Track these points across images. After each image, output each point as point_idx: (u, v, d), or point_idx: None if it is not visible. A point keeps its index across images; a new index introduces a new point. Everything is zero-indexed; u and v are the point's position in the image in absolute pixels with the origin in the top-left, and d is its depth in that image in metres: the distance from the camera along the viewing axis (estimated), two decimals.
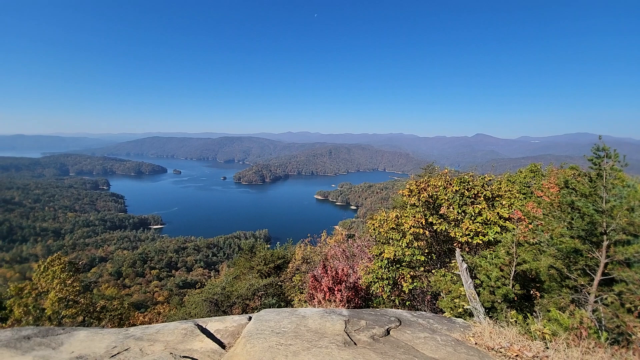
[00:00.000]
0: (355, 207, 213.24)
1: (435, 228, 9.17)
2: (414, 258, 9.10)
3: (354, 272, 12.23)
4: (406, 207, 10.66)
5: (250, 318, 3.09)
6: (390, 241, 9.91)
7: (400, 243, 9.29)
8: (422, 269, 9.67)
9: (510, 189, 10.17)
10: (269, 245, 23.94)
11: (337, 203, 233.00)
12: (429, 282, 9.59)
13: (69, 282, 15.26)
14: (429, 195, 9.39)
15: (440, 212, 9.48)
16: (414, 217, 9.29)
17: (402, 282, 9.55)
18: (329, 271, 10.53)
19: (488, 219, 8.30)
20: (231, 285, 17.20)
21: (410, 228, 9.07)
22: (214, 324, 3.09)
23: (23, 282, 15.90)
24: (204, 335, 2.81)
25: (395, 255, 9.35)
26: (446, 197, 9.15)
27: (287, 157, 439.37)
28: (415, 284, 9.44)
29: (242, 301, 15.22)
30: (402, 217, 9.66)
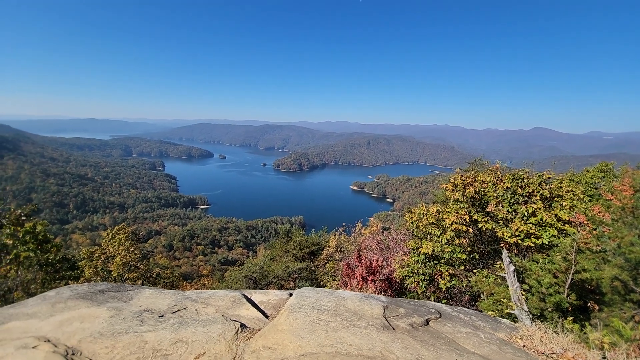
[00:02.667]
0: (391, 200, 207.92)
1: (480, 226, 8.63)
2: (454, 256, 8.71)
3: (387, 264, 12.12)
4: (448, 203, 10.17)
5: (291, 294, 3.29)
6: (429, 236, 9.58)
7: (440, 239, 8.93)
8: (462, 267, 9.24)
9: (573, 190, 9.11)
10: (303, 232, 24.61)
11: (372, 195, 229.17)
12: (469, 282, 9.14)
13: (132, 249, 17.46)
14: (475, 191, 8.81)
15: (487, 210, 8.87)
16: (457, 213, 8.82)
17: (439, 279, 9.24)
18: (363, 261, 10.57)
19: (543, 220, 7.57)
20: (268, 266, 18.15)
21: (452, 224, 8.66)
22: (257, 296, 3.34)
23: (93, 247, 18.54)
24: (250, 305, 3.06)
25: (433, 251, 9.04)
26: (495, 194, 8.52)
27: (325, 147, 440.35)
28: (453, 282, 9.07)
29: (278, 281, 16.02)
30: (444, 213, 9.24)
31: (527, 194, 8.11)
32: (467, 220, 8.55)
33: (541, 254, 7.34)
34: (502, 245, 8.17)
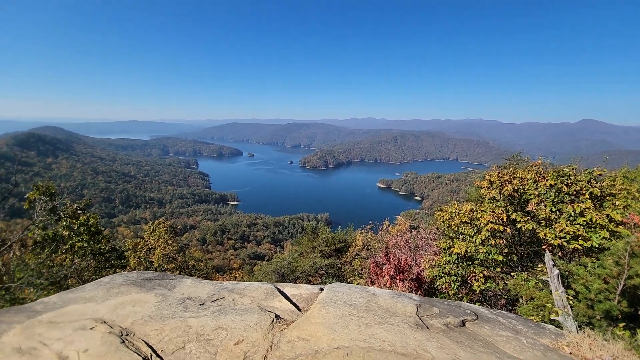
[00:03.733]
0: (420, 198, 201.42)
1: (519, 227, 8.11)
2: (490, 257, 8.29)
3: (416, 264, 11.82)
4: (483, 201, 9.67)
5: (322, 289, 3.35)
6: (461, 236, 9.21)
7: (474, 239, 8.54)
8: (498, 269, 8.77)
9: (628, 188, 8.23)
10: (329, 229, 24.72)
11: (400, 192, 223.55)
12: (506, 284, 8.65)
13: (170, 242, 18.73)
14: (513, 188, 8.29)
15: (527, 209, 8.32)
16: (493, 212, 8.37)
17: (473, 281, 8.85)
18: (391, 259, 10.41)
19: (593, 221, 6.93)
20: (296, 261, 18.50)
21: (488, 224, 8.23)
22: (289, 289, 3.44)
23: (137, 240, 20.16)
24: (282, 297, 3.17)
25: (466, 251, 8.67)
26: (537, 192, 7.94)
27: (351, 144, 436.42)
28: (488, 284, 8.64)
29: (305, 276, 16.28)
30: (478, 212, 8.81)
31: (574, 193, 7.46)
32: (505, 220, 8.08)
33: (590, 257, 6.75)
34: (544, 247, 7.61)
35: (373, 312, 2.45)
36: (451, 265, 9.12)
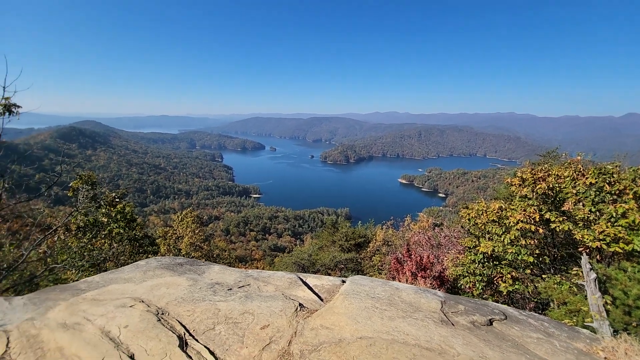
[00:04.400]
0: (443, 195, 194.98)
1: (552, 227, 7.65)
2: (519, 257, 7.91)
3: (439, 262, 11.56)
4: (513, 199, 9.21)
5: (343, 281, 3.39)
6: (488, 235, 8.86)
7: (502, 238, 8.18)
8: (528, 271, 8.36)
9: None
10: (349, 224, 24.68)
11: (423, 189, 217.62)
12: (536, 287, 8.24)
13: (197, 231, 19.65)
14: (548, 187, 7.82)
15: (562, 209, 7.83)
16: (525, 211, 7.95)
17: (500, 282, 8.51)
18: (413, 256, 10.25)
19: (636, 222, 6.40)
20: (316, 254, 18.72)
21: (518, 223, 7.84)
22: (312, 280, 3.52)
23: (166, 228, 21.33)
24: (305, 287, 3.25)
25: (493, 250, 8.34)
26: (574, 191, 7.44)
27: (373, 138, 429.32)
28: (516, 286, 8.27)
29: (325, 270, 16.46)
30: (508, 210, 8.40)
31: (617, 192, 6.91)
32: (537, 220, 7.65)
33: (630, 261, 6.27)
34: (580, 249, 7.15)
35: (396, 306, 2.45)
36: (476, 265, 8.82)
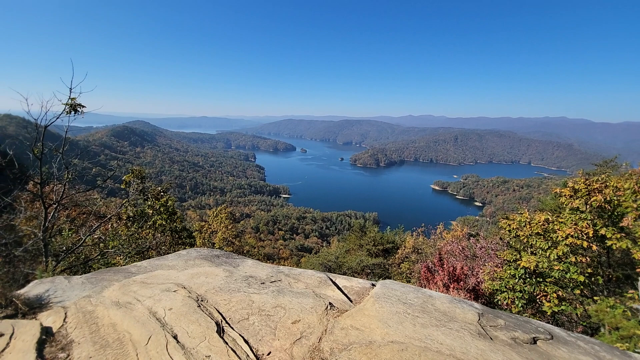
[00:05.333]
0: (480, 204, 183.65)
1: (608, 244, 6.91)
2: (567, 276, 7.23)
3: (473, 274, 10.93)
4: (562, 211, 8.46)
5: (373, 284, 3.37)
6: (531, 249, 8.21)
7: (548, 254, 7.54)
8: (577, 291, 7.60)
9: None
10: (377, 228, 24.24)
11: (457, 196, 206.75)
12: (585, 310, 7.47)
13: (230, 227, 20.58)
14: (605, 199, 7.07)
15: (620, 225, 7.04)
16: (576, 225, 7.26)
17: (543, 301, 7.83)
18: (445, 266, 9.82)
19: None
20: (343, 257, 18.65)
21: (567, 238, 7.18)
22: (341, 281, 3.54)
23: (202, 223, 22.60)
24: (334, 287, 3.28)
25: (537, 266, 7.71)
26: (635, 205, 6.66)
27: (405, 142, 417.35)
28: (562, 307, 7.56)
29: (352, 273, 16.31)
30: (556, 223, 7.73)
31: None
32: (590, 235, 6.96)
33: None
34: (638, 270, 6.38)
35: (429, 314, 2.38)
36: (516, 280, 8.21)
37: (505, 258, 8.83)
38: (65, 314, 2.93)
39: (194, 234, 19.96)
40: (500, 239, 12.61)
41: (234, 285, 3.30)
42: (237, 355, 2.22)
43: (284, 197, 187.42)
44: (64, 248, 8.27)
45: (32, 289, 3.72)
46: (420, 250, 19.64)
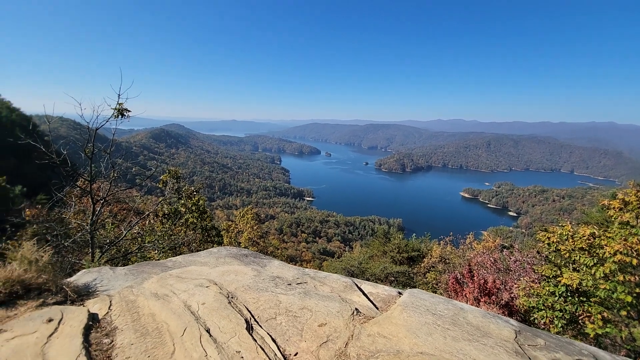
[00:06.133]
0: (515, 214, 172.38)
1: None
2: (614, 296, 6.59)
3: (506, 289, 10.29)
4: (611, 225, 7.73)
5: (400, 293, 3.31)
6: (574, 265, 7.59)
7: (593, 271, 6.92)
8: (624, 313, 6.89)
9: None
10: (402, 235, 23.63)
11: (489, 205, 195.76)
12: (631, 333, 6.75)
13: (255, 228, 21.16)
14: None
15: None
16: (625, 240, 6.62)
17: (586, 322, 7.18)
18: (475, 278, 9.36)
19: None
20: (366, 263, 18.39)
21: (616, 254, 6.56)
22: (367, 287, 3.51)
23: (229, 222, 23.43)
24: (360, 292, 3.27)
25: (580, 284, 7.10)
26: None
27: (433, 147, 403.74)
28: (607, 329, 6.89)
29: (375, 280, 16.02)
30: (603, 238, 7.09)
31: None
32: None
33: None
34: None
35: (461, 327, 2.29)
36: (556, 298, 7.61)
37: (543, 273, 8.23)
38: (110, 302, 3.19)
39: (221, 232, 20.70)
40: (538, 252, 11.80)
41: (261, 285, 3.41)
42: (266, 354, 2.29)
43: (308, 200, 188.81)
44: (107, 241, 8.98)
45: (80, 278, 4.08)
46: (447, 260, 18.90)
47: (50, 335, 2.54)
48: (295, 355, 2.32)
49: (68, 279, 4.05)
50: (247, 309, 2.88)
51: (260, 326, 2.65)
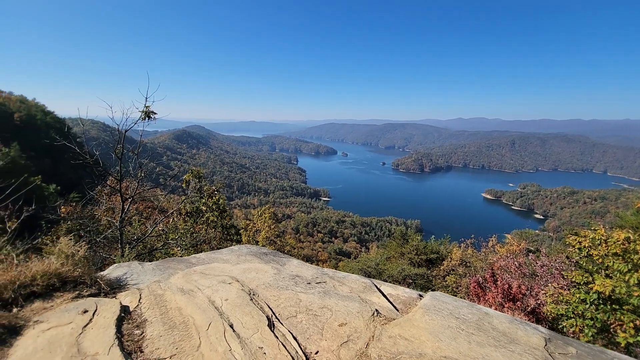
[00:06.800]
0: (542, 217, 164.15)
1: None
2: None
3: (532, 295, 9.84)
4: None
5: (421, 295, 3.26)
6: (606, 271, 7.14)
7: (627, 278, 6.50)
8: None
9: None
10: (420, 237, 23.15)
11: (513, 207, 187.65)
12: None
13: (272, 227, 21.46)
14: None
15: None
16: None
17: (618, 331, 6.75)
18: (499, 283, 9.01)
19: None
20: (384, 264, 18.18)
21: None
22: (386, 288, 3.49)
23: (247, 221, 23.88)
24: (380, 294, 3.25)
25: (613, 291, 6.67)
26: None
27: (453, 147, 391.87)
28: (639, 338, 6.44)
29: (392, 282, 15.81)
30: (638, 242, 6.64)
31: None
32: None
33: None
34: None
35: (486, 332, 2.22)
36: (587, 306, 7.20)
37: (573, 280, 7.81)
38: (140, 295, 3.36)
39: (240, 231, 21.14)
40: (567, 257, 11.22)
41: (282, 283, 3.47)
42: (287, 351, 2.33)
43: (324, 200, 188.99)
44: (135, 237, 9.43)
45: (112, 272, 4.32)
46: (468, 264, 18.33)
47: (85, 326, 2.68)
48: (316, 353, 2.35)
49: (101, 273, 4.28)
50: (268, 306, 2.94)
51: (282, 323, 2.70)
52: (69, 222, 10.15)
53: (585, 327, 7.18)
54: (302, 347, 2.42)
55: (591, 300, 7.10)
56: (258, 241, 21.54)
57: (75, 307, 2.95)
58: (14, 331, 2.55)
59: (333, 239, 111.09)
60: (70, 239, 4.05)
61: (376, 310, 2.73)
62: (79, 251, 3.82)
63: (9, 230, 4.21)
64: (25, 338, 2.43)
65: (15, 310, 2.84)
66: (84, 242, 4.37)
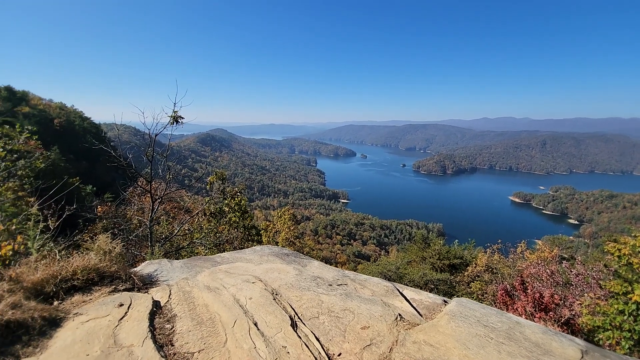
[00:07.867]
0: (577, 222, 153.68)
1: None
2: None
3: (565, 305, 9.24)
4: None
5: (445, 301, 3.17)
6: None
7: None
8: None
9: None
10: (442, 241, 22.42)
11: (544, 211, 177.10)
12: None
13: (292, 228, 21.67)
14: None
15: None
16: None
17: None
18: (529, 291, 8.55)
19: None
20: (404, 268, 17.81)
21: None
22: (409, 292, 3.43)
23: (267, 222, 24.26)
24: (402, 298, 3.20)
25: None
26: None
27: (477, 148, 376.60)
28: None
29: (413, 286, 15.45)
30: None
31: None
32: None
33: None
34: None
35: (517, 342, 2.13)
36: (625, 317, 6.69)
37: (612, 290, 7.27)
38: (170, 291, 3.53)
39: (260, 232, 21.51)
40: (605, 265, 10.44)
41: (304, 284, 3.51)
42: (310, 351, 2.36)
43: (343, 202, 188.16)
44: (163, 236, 9.91)
45: (144, 268, 4.56)
46: (495, 270, 17.52)
47: (121, 319, 2.86)
48: (339, 355, 2.36)
49: (134, 269, 4.54)
50: (291, 307, 3.00)
51: (304, 324, 2.74)
52: (104, 221, 10.84)
53: (623, 340, 6.67)
54: (324, 348, 2.44)
55: (630, 311, 6.59)
56: (278, 242, 21.81)
57: (112, 301, 3.15)
58: (54, 323, 2.74)
59: (352, 241, 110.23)
60: (108, 237, 4.32)
61: (399, 314, 2.70)
62: (115, 248, 4.08)
63: (52, 228, 4.55)
64: (65, 330, 2.62)
65: (56, 303, 3.07)
66: (119, 240, 4.65)
